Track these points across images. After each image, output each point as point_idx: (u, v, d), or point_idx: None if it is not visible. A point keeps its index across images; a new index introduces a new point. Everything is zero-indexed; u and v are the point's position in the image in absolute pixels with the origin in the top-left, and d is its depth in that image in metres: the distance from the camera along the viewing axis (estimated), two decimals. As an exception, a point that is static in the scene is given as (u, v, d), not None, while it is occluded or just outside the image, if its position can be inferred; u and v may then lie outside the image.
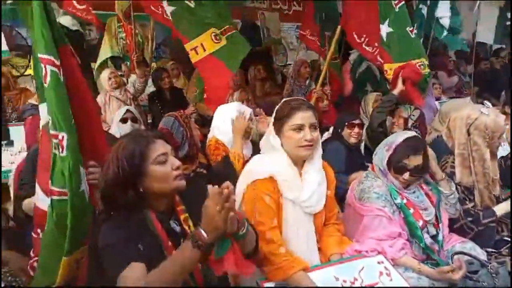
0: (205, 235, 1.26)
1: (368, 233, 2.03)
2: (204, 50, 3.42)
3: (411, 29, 3.47)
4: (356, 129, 3.05)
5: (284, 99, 1.98)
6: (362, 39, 3.64)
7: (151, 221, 1.47)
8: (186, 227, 1.53)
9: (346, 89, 5.22)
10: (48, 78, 1.62)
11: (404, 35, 3.47)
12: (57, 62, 1.66)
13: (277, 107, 1.95)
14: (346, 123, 3.06)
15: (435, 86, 5.48)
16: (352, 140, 3.06)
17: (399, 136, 2.15)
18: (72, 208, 1.61)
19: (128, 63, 5.25)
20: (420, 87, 3.39)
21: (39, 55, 1.63)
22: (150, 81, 4.86)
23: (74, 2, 4.48)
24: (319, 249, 2.00)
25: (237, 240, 1.37)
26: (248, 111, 2.89)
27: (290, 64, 6.61)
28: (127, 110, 3.36)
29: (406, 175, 2.06)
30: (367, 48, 3.65)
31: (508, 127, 2.71)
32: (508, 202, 2.35)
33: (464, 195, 2.33)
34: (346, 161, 2.92)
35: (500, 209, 2.33)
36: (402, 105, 3.30)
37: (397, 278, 1.80)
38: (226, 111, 2.88)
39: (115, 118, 3.38)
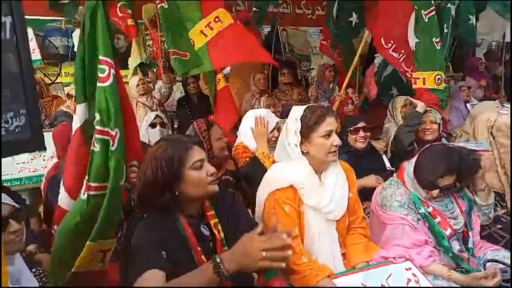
0: (225, 267, 1.25)
1: (393, 242, 1.99)
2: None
3: (437, 40, 3.45)
4: (362, 133, 2.96)
5: (306, 106, 1.96)
6: (390, 44, 3.63)
7: (182, 225, 1.52)
8: (216, 232, 1.58)
9: (371, 92, 5.18)
10: (111, 78, 1.74)
11: (430, 45, 3.46)
12: (114, 66, 1.78)
13: (299, 115, 1.92)
14: (349, 130, 3.00)
15: (463, 88, 5.34)
16: (359, 145, 2.97)
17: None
18: (108, 200, 1.68)
19: (155, 69, 5.36)
20: (441, 100, 3.41)
21: (101, 57, 1.75)
22: (175, 87, 4.95)
23: (117, 10, 4.59)
24: (344, 256, 1.98)
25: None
26: (272, 118, 2.89)
27: (313, 69, 6.57)
28: (156, 116, 3.49)
29: (435, 192, 1.99)
30: (394, 54, 3.63)
31: None
32: None
33: (495, 201, 2.25)
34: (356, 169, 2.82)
35: None
36: (428, 110, 3.26)
37: (426, 285, 1.76)
38: (251, 117, 2.90)
39: (144, 124, 3.48)
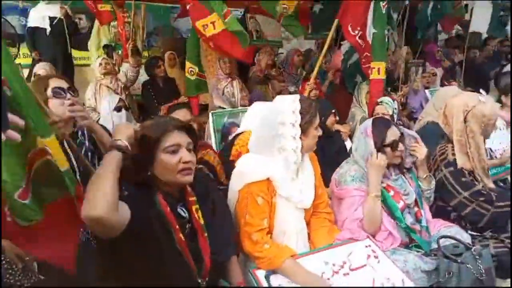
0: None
1: (348, 213, 2.10)
2: (214, 28, 3.69)
3: (386, 34, 3.74)
4: (332, 118, 3.12)
5: (300, 99, 1.92)
6: (356, 31, 3.75)
7: (158, 201, 1.51)
8: (197, 217, 1.59)
9: (335, 78, 5.30)
10: None
11: (382, 37, 3.69)
12: None
13: (296, 108, 1.90)
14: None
15: (424, 75, 5.54)
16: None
17: (366, 122, 2.26)
18: None
19: (120, 51, 5.22)
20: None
21: None
22: (141, 71, 4.85)
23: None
24: (309, 240, 2.05)
25: None
26: None
27: (282, 53, 6.58)
28: (120, 99, 3.43)
29: (390, 152, 2.12)
30: (359, 41, 3.76)
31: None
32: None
33: (471, 177, 2.36)
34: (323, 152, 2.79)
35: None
36: (380, 103, 3.43)
37: (384, 260, 1.87)
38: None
39: (107, 107, 3.42)
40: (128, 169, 1.46)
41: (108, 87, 4.21)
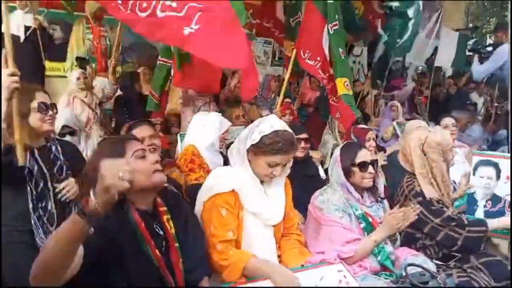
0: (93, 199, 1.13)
1: (326, 241, 2.14)
2: None
3: (342, 51, 3.78)
4: (303, 144, 3.00)
5: (274, 131, 1.91)
6: (306, 54, 3.86)
7: (132, 218, 1.47)
8: (168, 228, 1.57)
9: (309, 104, 5.44)
10: None
11: (338, 55, 3.77)
12: None
13: (260, 135, 1.90)
14: None
15: (393, 108, 5.79)
16: (299, 155, 2.93)
17: (336, 151, 2.37)
18: None
19: (94, 65, 5.15)
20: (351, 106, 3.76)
21: None
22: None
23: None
24: (280, 261, 2.06)
25: None
26: (224, 120, 2.99)
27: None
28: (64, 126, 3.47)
29: (358, 173, 2.21)
30: (309, 62, 3.86)
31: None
32: (500, 219, 2.48)
33: (440, 205, 2.42)
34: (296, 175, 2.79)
35: (493, 223, 2.42)
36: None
37: (354, 285, 1.88)
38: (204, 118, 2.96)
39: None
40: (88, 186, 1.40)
41: (83, 101, 4.14)
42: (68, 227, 1.14)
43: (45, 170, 2.04)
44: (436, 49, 7.04)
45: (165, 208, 1.61)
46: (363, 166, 2.23)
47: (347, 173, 2.25)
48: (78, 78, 4.22)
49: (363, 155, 2.27)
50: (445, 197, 2.50)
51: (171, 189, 2.01)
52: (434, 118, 6.18)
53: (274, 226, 2.04)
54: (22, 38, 4.76)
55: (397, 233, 2.32)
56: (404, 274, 2.07)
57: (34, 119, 2.07)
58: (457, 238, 2.36)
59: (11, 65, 2.01)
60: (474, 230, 2.36)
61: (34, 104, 2.07)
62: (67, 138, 3.41)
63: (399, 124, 5.18)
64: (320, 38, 3.79)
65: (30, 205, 1.99)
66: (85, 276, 1.28)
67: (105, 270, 1.36)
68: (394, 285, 2.04)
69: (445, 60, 7.06)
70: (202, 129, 2.85)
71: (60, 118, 3.62)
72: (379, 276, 2.12)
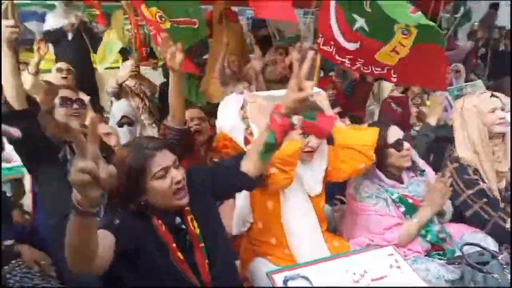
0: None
1: (364, 231, 2.07)
2: None
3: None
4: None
5: None
6: (320, 39, 3.47)
7: (156, 228, 1.47)
8: (192, 228, 1.54)
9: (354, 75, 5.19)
10: None
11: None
12: None
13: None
14: None
15: (457, 72, 5.43)
16: None
17: None
18: None
19: (136, 54, 5.24)
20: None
21: None
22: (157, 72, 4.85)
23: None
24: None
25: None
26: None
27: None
28: (123, 117, 3.50)
29: (395, 153, 2.07)
30: (324, 48, 3.52)
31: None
32: None
33: (476, 176, 2.22)
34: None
35: None
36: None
37: (407, 270, 1.80)
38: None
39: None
40: (120, 196, 1.42)
41: (131, 89, 4.18)
42: (70, 224, 1.09)
43: None
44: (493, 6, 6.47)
45: (188, 208, 1.55)
46: (398, 144, 2.07)
47: (383, 157, 2.09)
48: (130, 65, 4.21)
49: (395, 133, 2.10)
50: (487, 169, 2.23)
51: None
52: (494, 79, 5.73)
53: (312, 198, 2.02)
54: (70, 36, 4.95)
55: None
56: (459, 253, 1.97)
57: (60, 114, 2.16)
58: (487, 220, 2.14)
59: (11, 17, 2.04)
60: (505, 218, 2.11)
61: (57, 100, 2.18)
62: (125, 128, 3.47)
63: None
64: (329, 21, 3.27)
65: None
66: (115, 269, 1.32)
67: (128, 269, 1.38)
68: (449, 266, 1.93)
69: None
70: (224, 111, 2.74)
71: (118, 108, 3.78)
72: (432, 257, 2.02)
